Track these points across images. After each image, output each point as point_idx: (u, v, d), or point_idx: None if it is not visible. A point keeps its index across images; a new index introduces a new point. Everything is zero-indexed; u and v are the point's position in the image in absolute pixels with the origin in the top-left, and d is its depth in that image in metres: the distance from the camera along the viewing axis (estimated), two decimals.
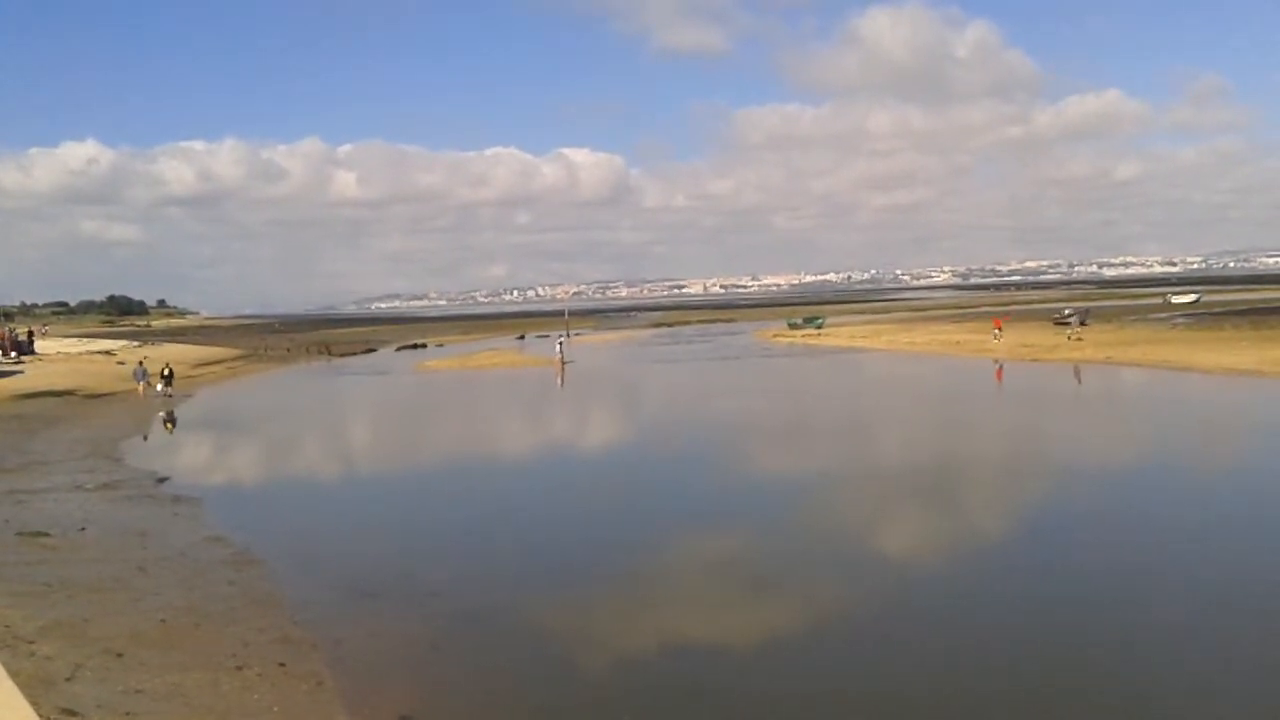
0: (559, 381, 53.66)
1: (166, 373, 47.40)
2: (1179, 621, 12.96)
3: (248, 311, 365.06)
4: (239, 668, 11.69)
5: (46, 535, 18.15)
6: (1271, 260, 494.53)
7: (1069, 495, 21.07)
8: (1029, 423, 32.85)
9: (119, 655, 11.82)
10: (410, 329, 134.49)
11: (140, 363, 50.32)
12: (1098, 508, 19.47)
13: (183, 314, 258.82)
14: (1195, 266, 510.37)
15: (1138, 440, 28.19)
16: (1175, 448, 26.66)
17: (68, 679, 10.87)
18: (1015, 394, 41.91)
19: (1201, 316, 75.07)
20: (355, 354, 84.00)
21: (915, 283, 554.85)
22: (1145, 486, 21.81)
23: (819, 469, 25.80)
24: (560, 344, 65.86)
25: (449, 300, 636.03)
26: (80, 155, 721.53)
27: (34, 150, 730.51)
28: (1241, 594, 13.79)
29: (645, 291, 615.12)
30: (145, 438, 34.68)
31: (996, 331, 60.47)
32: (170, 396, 45.75)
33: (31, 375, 52.03)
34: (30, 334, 75.11)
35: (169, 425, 38.32)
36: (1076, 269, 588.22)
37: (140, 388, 46.39)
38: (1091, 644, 12.08)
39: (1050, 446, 28.30)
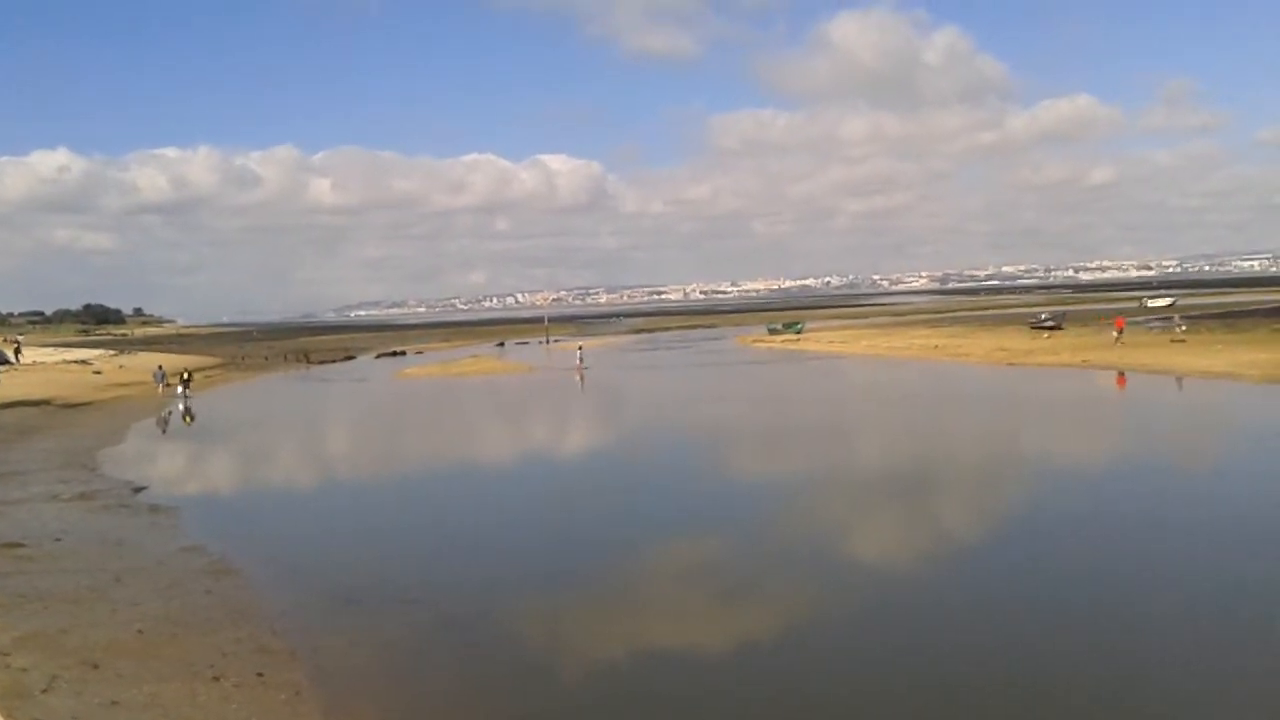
0: (580, 385, 55.45)
1: (186, 376, 51.64)
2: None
3: (225, 319, 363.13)
4: (217, 678, 11.63)
5: (22, 546, 18.02)
6: (1246, 263, 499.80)
7: (1054, 497, 21.23)
8: (1009, 426, 33.06)
9: (95, 666, 11.75)
10: (389, 336, 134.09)
11: (160, 367, 56.15)
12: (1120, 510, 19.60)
13: (160, 322, 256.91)
14: (1171, 270, 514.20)
15: (1147, 447, 28.40)
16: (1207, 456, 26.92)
17: (43, 691, 10.80)
18: (1000, 398, 42.10)
19: (1177, 320, 75.56)
20: (334, 361, 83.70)
21: (893, 288, 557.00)
22: (1176, 493, 21.96)
23: (813, 474, 25.93)
24: (580, 351, 67.18)
25: (428, 307, 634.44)
26: (51, 163, 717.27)
27: (4, 159, 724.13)
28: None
29: (625, 297, 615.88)
30: (164, 429, 40.24)
31: (1117, 333, 59.23)
32: (189, 397, 49.23)
33: (6, 385, 51.56)
34: (17, 347, 74.60)
35: (188, 418, 43.33)
36: (1053, 273, 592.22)
37: (160, 388, 51.72)
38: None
39: (1031, 450, 28.55)
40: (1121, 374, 43.70)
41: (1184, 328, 58.90)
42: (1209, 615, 13.18)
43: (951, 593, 14.79)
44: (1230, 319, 69.68)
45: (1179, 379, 40.81)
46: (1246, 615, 13.06)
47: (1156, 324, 72.25)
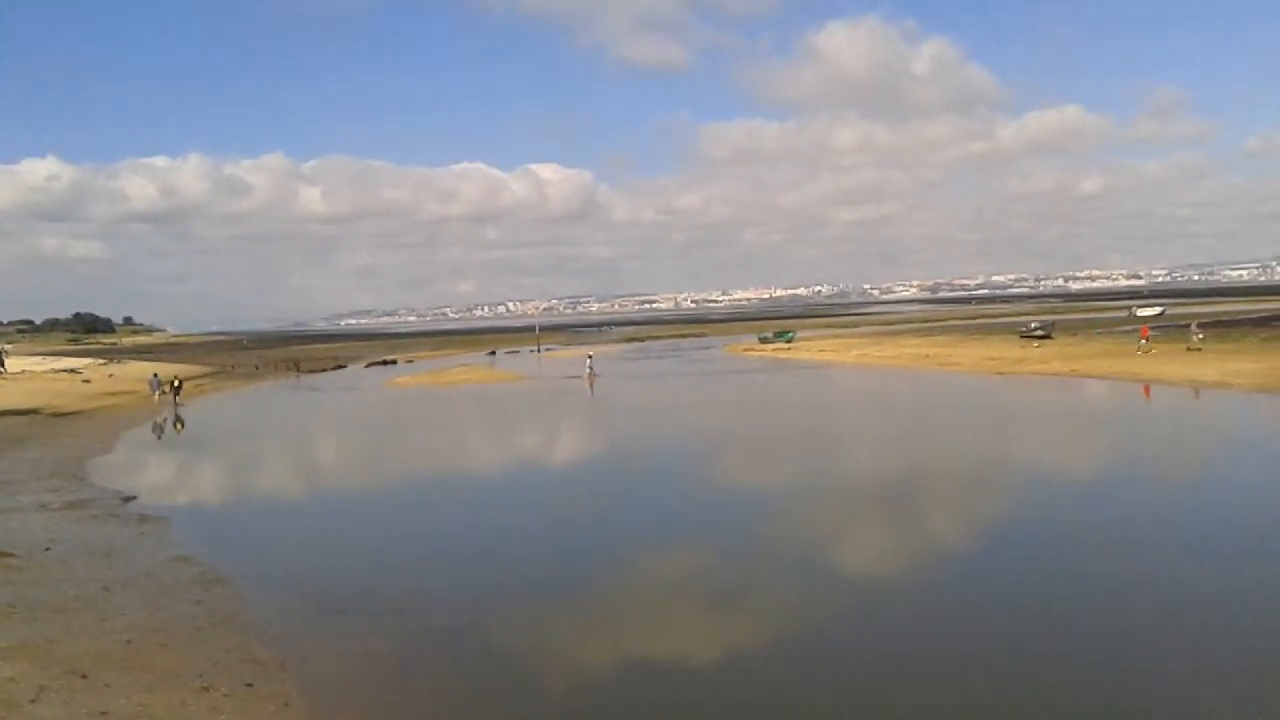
0: (590, 392, 55.67)
1: (176, 384, 54.28)
2: None
3: (215, 328, 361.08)
4: (206, 688, 11.60)
5: (11, 555, 17.95)
6: (1235, 273, 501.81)
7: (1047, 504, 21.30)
8: (997, 435, 33.20)
9: (84, 676, 11.72)
10: (380, 345, 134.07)
11: (155, 375, 57.50)
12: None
13: (150, 331, 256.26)
14: (1160, 279, 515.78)
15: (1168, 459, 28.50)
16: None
17: (32, 701, 10.77)
18: (989, 407, 42.22)
19: (1166, 329, 75.86)
20: (324, 371, 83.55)
21: (883, 297, 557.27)
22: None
23: (800, 481, 25.98)
24: (589, 359, 66.71)
25: (419, 316, 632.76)
26: (41, 172, 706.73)
27: None
28: None
29: (616, 306, 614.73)
30: (159, 437, 40.75)
31: (1143, 341, 58.58)
32: (180, 405, 51.76)
33: None
34: (0, 356, 74.28)
35: (179, 425, 44.41)
36: (1043, 282, 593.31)
37: (155, 396, 53.43)
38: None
39: (1018, 458, 28.67)
40: (1147, 385, 42.61)
41: (1201, 336, 56.43)
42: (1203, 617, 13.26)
43: (939, 600, 14.83)
44: (1219, 328, 69.93)
45: (1196, 390, 40.13)
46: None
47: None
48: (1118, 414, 38.18)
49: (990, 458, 29.01)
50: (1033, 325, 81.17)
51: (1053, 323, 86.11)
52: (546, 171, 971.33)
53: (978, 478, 25.81)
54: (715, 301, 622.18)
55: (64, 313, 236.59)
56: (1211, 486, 22.81)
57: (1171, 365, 47.19)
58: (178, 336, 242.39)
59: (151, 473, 31.01)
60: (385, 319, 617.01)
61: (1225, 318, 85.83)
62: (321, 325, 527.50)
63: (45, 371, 70.29)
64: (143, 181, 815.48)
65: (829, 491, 24.66)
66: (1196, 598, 14.22)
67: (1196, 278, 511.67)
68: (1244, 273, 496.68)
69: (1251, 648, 12.23)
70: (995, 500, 22.76)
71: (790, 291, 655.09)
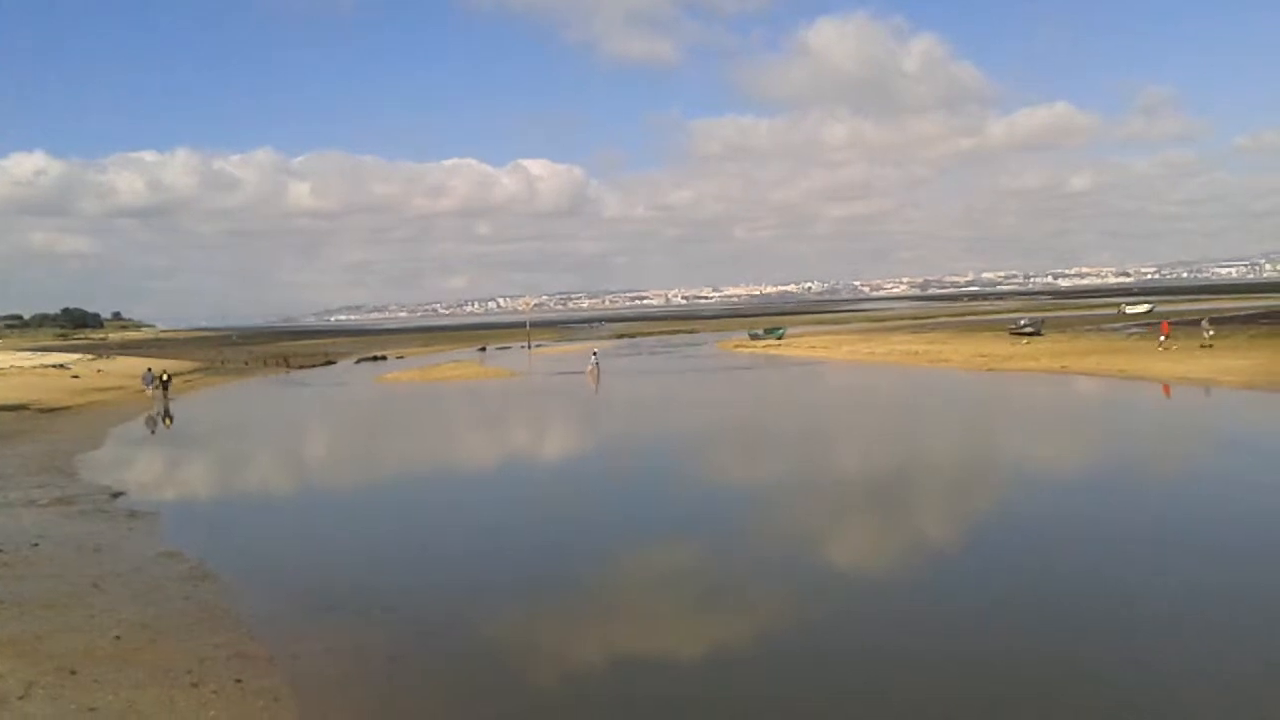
0: (594, 388, 55.19)
1: (166, 379, 55.15)
2: None
3: (204, 323, 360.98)
4: (195, 684, 11.58)
5: None
6: (1224, 270, 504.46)
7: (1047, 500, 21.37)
8: (987, 430, 33.28)
9: (73, 672, 11.68)
10: (370, 341, 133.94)
11: (149, 369, 57.48)
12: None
13: (139, 326, 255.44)
14: (1149, 277, 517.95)
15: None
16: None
17: (20, 697, 10.74)
18: (978, 402, 42.31)
19: (1155, 326, 76.01)
20: (314, 366, 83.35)
21: (874, 294, 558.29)
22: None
23: (797, 478, 26.02)
24: (595, 354, 66.51)
25: (409, 312, 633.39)
26: (28, 166, 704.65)
27: None
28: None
29: (607, 302, 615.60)
30: (152, 432, 40.76)
31: (1163, 338, 55.86)
32: (168, 399, 52.71)
33: None
34: None
35: (168, 420, 44.76)
36: (1033, 280, 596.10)
37: (149, 391, 53.65)
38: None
39: (1007, 453, 28.76)
40: (1166, 384, 41.02)
41: (1211, 333, 54.51)
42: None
43: (927, 595, 14.86)
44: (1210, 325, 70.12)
45: (1202, 388, 39.51)
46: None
47: (1135, 330, 72.74)
48: (1107, 410, 38.28)
49: (976, 451, 29.07)
50: (1022, 322, 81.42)
51: (1042, 320, 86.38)
52: (537, 167, 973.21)
53: (964, 471, 25.91)
54: (706, 298, 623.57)
55: (52, 308, 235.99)
56: (1201, 484, 22.92)
57: (1163, 362, 47.30)
58: (166, 332, 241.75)
59: (140, 468, 30.88)
60: (375, 315, 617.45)
61: (1214, 315, 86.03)
62: (311, 321, 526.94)
63: (33, 366, 69.98)
64: (131, 176, 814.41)
65: (826, 488, 24.70)
66: (1167, 588, 14.31)
67: (1185, 275, 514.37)
68: (1232, 270, 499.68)
69: (1244, 647, 12.30)
70: (977, 493, 22.83)
71: (781, 288, 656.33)
